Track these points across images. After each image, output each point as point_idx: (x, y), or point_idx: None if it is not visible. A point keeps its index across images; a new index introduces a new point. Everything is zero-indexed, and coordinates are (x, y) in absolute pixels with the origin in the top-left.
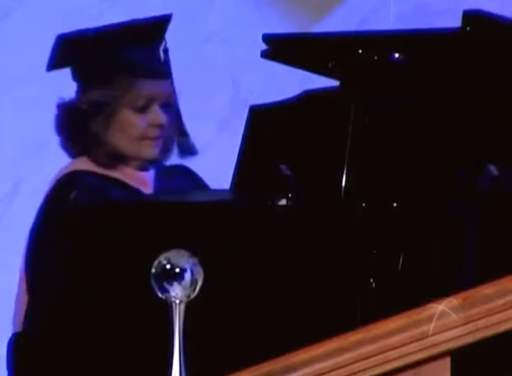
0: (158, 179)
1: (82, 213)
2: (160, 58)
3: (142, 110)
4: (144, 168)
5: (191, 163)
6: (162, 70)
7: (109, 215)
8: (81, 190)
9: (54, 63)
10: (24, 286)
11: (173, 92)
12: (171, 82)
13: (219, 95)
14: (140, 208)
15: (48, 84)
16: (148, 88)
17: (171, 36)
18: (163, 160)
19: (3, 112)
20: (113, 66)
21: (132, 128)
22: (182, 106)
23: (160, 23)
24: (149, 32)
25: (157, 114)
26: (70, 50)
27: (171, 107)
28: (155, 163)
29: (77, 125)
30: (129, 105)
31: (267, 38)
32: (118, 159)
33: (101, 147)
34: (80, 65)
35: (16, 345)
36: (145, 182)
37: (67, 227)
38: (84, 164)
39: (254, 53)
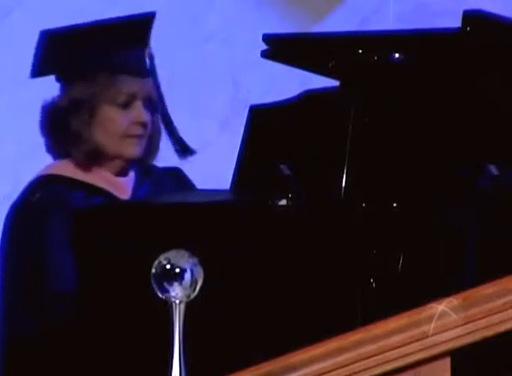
0: (138, 184)
1: (82, 214)
2: (141, 56)
3: (124, 106)
4: (123, 173)
5: (191, 163)
6: (143, 69)
7: (109, 216)
8: (43, 195)
9: (39, 63)
10: None
11: (156, 92)
12: (155, 81)
13: (219, 95)
14: (140, 209)
15: (48, 84)
16: (129, 84)
17: (171, 36)
18: (146, 160)
19: (2, 112)
20: (93, 64)
21: (114, 124)
22: (182, 106)
23: (143, 22)
24: (131, 30)
25: (140, 112)
26: (53, 47)
27: (154, 107)
28: (138, 163)
29: (57, 124)
30: (110, 101)
31: (267, 38)
32: (98, 158)
33: (82, 145)
34: (63, 62)
35: (13, 345)
36: (122, 187)
37: (70, 228)
38: (59, 168)
39: (254, 53)
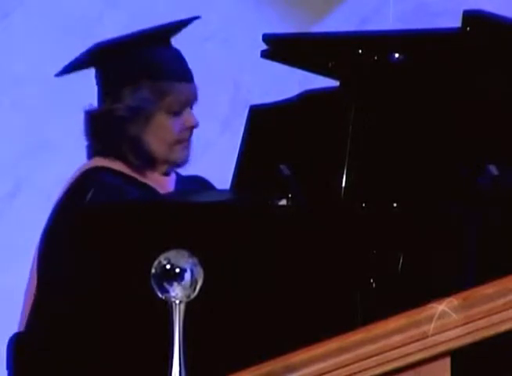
0: (179, 184)
1: (82, 213)
2: (185, 61)
3: (177, 113)
4: (167, 173)
5: (192, 163)
6: (190, 73)
7: (109, 216)
8: (99, 188)
9: (80, 65)
10: (34, 285)
11: (197, 95)
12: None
13: (220, 96)
14: (140, 209)
15: (48, 84)
16: (184, 91)
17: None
18: (187, 161)
19: (3, 112)
20: (146, 70)
21: (168, 132)
22: None
23: (183, 26)
24: (174, 35)
25: (191, 116)
26: (101, 55)
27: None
28: (182, 165)
29: (114, 130)
30: (166, 109)
31: (267, 38)
32: (150, 164)
33: (136, 151)
34: (111, 69)
35: (17, 344)
36: (167, 186)
37: (71, 228)
38: (109, 163)
39: (254, 53)
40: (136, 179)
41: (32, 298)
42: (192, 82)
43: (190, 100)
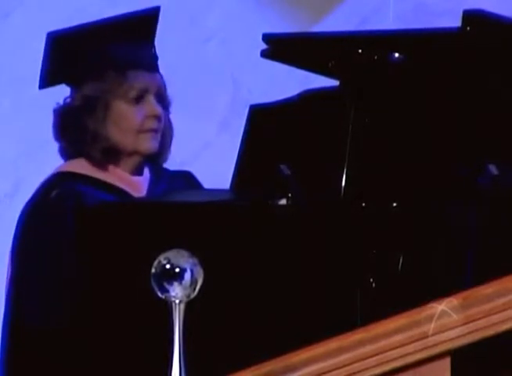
0: (154, 183)
1: (82, 213)
2: (149, 51)
3: (137, 101)
4: (139, 172)
5: (192, 163)
6: (152, 63)
7: (109, 216)
8: (61, 192)
9: (49, 70)
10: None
11: (165, 86)
12: (161, 76)
13: (219, 95)
14: (140, 209)
15: None
16: (139, 79)
17: (171, 36)
18: (161, 156)
19: (3, 112)
20: (103, 61)
21: (128, 120)
22: (182, 107)
23: (148, 17)
24: (137, 26)
25: (153, 105)
26: (60, 48)
27: (164, 102)
28: (155, 158)
29: (74, 124)
30: (122, 97)
31: (267, 38)
32: (114, 156)
33: (99, 143)
34: (71, 64)
35: (11, 342)
36: (138, 186)
37: (72, 229)
38: (76, 166)
39: (254, 53)
40: (102, 181)
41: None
42: (155, 72)
43: (151, 89)
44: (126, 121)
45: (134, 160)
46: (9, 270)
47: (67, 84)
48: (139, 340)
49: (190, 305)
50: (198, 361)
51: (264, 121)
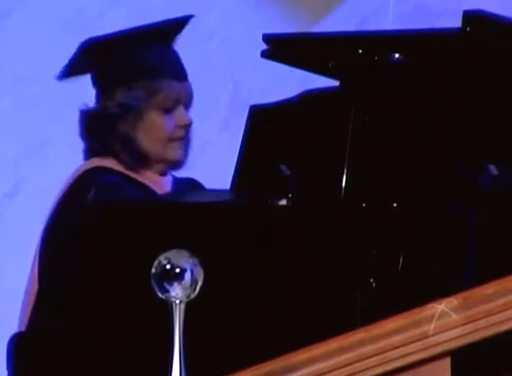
0: (175, 185)
1: (82, 213)
2: (180, 60)
3: (169, 111)
4: (163, 173)
5: (191, 163)
6: (184, 72)
7: (109, 216)
8: (101, 187)
9: (77, 68)
10: (35, 285)
11: (192, 95)
12: (191, 85)
13: (219, 95)
14: (140, 209)
15: (48, 84)
16: (175, 89)
17: None
18: (182, 162)
19: (3, 112)
20: (138, 68)
21: (160, 129)
22: None
23: (182, 25)
24: (171, 33)
25: (183, 115)
26: (95, 54)
27: (189, 109)
28: (178, 165)
29: (106, 128)
30: (157, 106)
31: (267, 38)
32: (144, 162)
33: (128, 149)
34: (103, 68)
35: (16, 344)
36: (164, 186)
37: (72, 227)
38: (107, 162)
39: (254, 53)
40: (134, 179)
41: (32, 297)
42: (186, 81)
43: (182, 99)
44: (157, 130)
45: (160, 166)
46: (33, 271)
47: (96, 86)
48: (139, 340)
49: (190, 305)
50: (198, 361)
51: (264, 121)
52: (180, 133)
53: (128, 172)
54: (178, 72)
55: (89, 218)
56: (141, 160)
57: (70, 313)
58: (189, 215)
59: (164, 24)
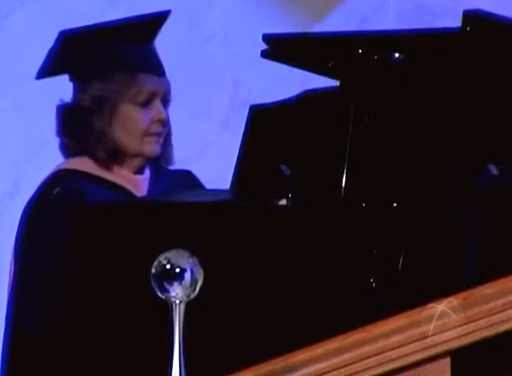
0: (153, 182)
1: (82, 213)
2: (157, 55)
3: (145, 105)
4: (140, 171)
5: (191, 163)
6: (161, 67)
7: (109, 216)
8: (64, 190)
9: (54, 64)
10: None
11: (170, 90)
12: (168, 81)
13: (219, 95)
14: (140, 209)
15: (48, 83)
16: (149, 83)
17: (171, 36)
18: (163, 158)
19: (3, 112)
20: (113, 62)
21: (135, 123)
22: (182, 107)
23: (158, 20)
24: (148, 29)
25: (160, 110)
26: (69, 47)
27: (167, 104)
28: (155, 161)
29: (80, 123)
30: (131, 100)
31: (267, 38)
32: (118, 157)
33: (103, 144)
34: (79, 62)
35: (14, 344)
36: (139, 185)
37: (71, 228)
38: (80, 164)
39: (254, 53)
40: (106, 180)
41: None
42: (163, 76)
43: (159, 93)
44: (133, 124)
45: (137, 162)
46: (12, 269)
47: (72, 80)
48: (139, 340)
49: (190, 305)
50: (198, 361)
51: (264, 121)
52: (156, 128)
53: (99, 173)
54: (155, 67)
55: (89, 219)
56: (116, 155)
57: (70, 313)
58: (189, 215)
59: (141, 19)
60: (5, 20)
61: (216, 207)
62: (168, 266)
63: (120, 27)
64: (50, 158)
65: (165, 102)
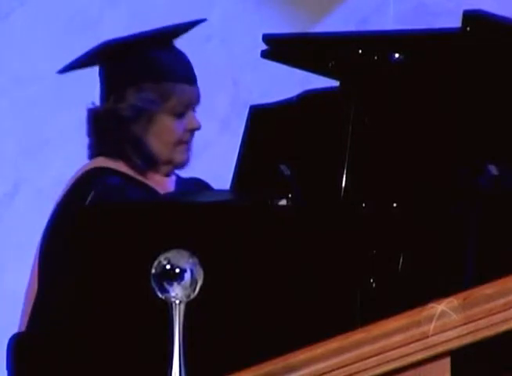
0: (178, 186)
1: (82, 213)
2: (189, 62)
3: (180, 115)
4: (168, 174)
5: (192, 162)
6: (194, 75)
7: (109, 216)
8: (100, 190)
9: (83, 63)
10: (35, 286)
11: (200, 97)
12: (199, 89)
13: (219, 95)
14: (140, 209)
15: (48, 83)
16: (187, 93)
17: None
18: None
19: (3, 112)
20: (151, 70)
21: (170, 133)
22: None
23: (186, 29)
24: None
25: (194, 119)
26: (107, 54)
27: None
28: (183, 167)
29: (115, 129)
30: (169, 111)
31: (267, 38)
32: (152, 165)
33: (139, 152)
34: (116, 69)
35: (17, 345)
36: (168, 187)
37: (71, 229)
38: (114, 163)
39: (254, 53)
40: (137, 180)
41: (33, 298)
42: (196, 85)
43: (193, 103)
44: (168, 134)
45: (166, 169)
46: (34, 272)
47: (105, 86)
48: (139, 340)
49: (190, 305)
50: (198, 361)
51: (264, 121)
52: (188, 137)
53: (130, 173)
54: (189, 76)
55: (89, 219)
56: (150, 163)
57: (70, 314)
58: (188, 215)
59: (176, 28)
60: (5, 20)
61: (216, 207)
62: (168, 266)
63: (157, 34)
64: (50, 159)
65: (194, 109)
